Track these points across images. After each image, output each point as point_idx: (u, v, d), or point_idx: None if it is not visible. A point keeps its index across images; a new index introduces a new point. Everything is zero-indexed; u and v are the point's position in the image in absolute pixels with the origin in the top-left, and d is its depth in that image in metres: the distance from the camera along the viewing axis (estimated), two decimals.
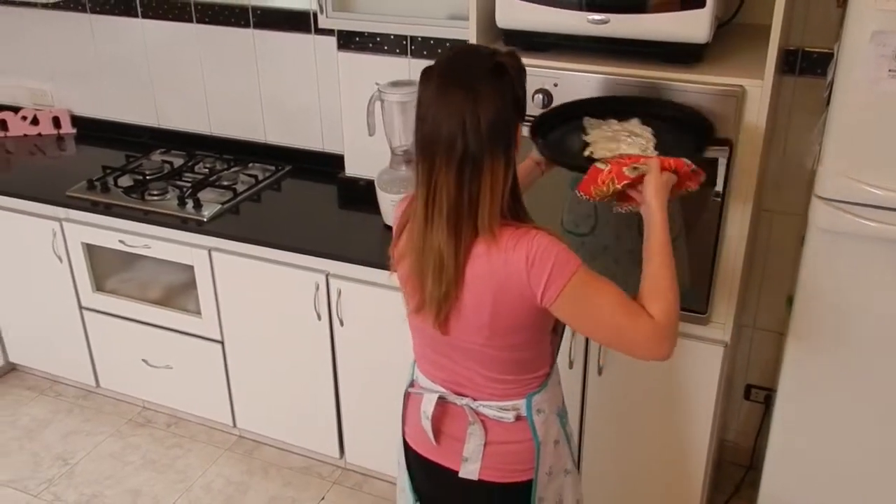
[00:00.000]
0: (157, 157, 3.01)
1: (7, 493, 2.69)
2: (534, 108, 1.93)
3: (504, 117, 1.35)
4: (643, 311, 1.40)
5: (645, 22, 1.83)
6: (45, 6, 3.08)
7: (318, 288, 2.41)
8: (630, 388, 2.13)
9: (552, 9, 1.89)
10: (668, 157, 1.53)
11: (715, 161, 1.83)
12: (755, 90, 1.77)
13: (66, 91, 3.27)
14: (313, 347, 2.52)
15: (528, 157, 1.73)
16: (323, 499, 2.65)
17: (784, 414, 1.96)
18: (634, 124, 1.79)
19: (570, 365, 2.16)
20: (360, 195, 2.59)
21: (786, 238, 2.32)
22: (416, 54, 2.51)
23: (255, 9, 2.77)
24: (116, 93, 3.17)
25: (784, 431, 1.98)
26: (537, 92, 1.92)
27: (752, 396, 2.57)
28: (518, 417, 1.51)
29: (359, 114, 2.47)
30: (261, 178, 2.81)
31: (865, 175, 1.67)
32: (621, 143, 1.74)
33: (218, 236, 2.51)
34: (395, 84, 2.37)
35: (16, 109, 3.27)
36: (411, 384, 1.64)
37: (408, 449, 1.65)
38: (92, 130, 3.25)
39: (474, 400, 1.52)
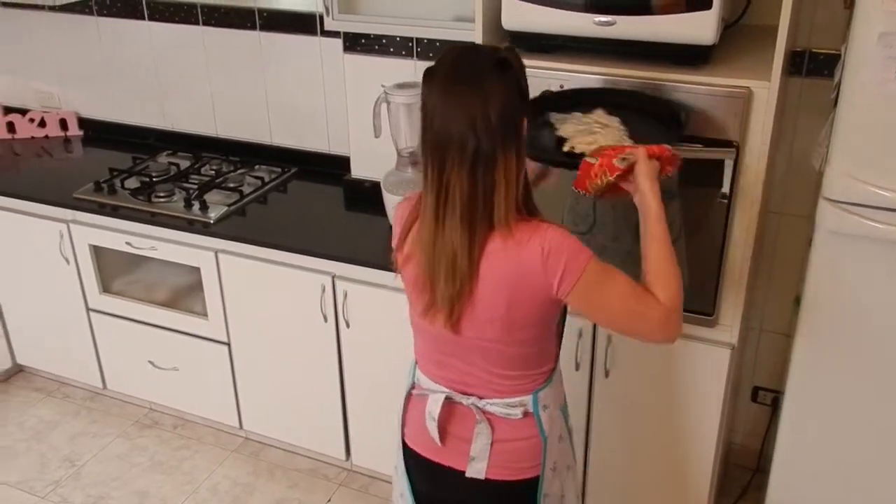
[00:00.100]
0: (163, 159, 3.02)
1: (14, 494, 2.70)
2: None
3: (512, 111, 1.37)
4: (652, 297, 1.44)
5: (651, 23, 1.82)
6: (52, 9, 3.09)
7: (324, 290, 2.41)
8: (637, 390, 2.13)
9: (558, 10, 1.89)
10: (650, 145, 1.55)
11: (721, 162, 1.83)
12: (762, 91, 1.76)
13: (73, 93, 3.28)
14: (319, 349, 2.53)
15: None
16: (329, 501, 2.65)
17: (791, 416, 1.96)
18: (601, 115, 1.80)
19: (577, 367, 2.16)
20: (367, 197, 2.60)
21: (793, 240, 2.31)
22: (422, 56, 2.51)
23: (261, 11, 2.77)
24: (123, 95, 3.18)
25: (791, 434, 1.97)
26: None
27: (759, 399, 2.57)
28: (525, 413, 1.53)
29: (365, 116, 2.47)
30: (267, 179, 2.81)
31: (873, 177, 1.66)
32: (597, 135, 1.76)
33: (224, 238, 2.52)
34: (401, 86, 2.38)
35: (23, 112, 3.28)
36: (412, 386, 1.63)
37: (408, 452, 1.65)
38: (99, 132, 3.26)
39: (480, 398, 1.53)
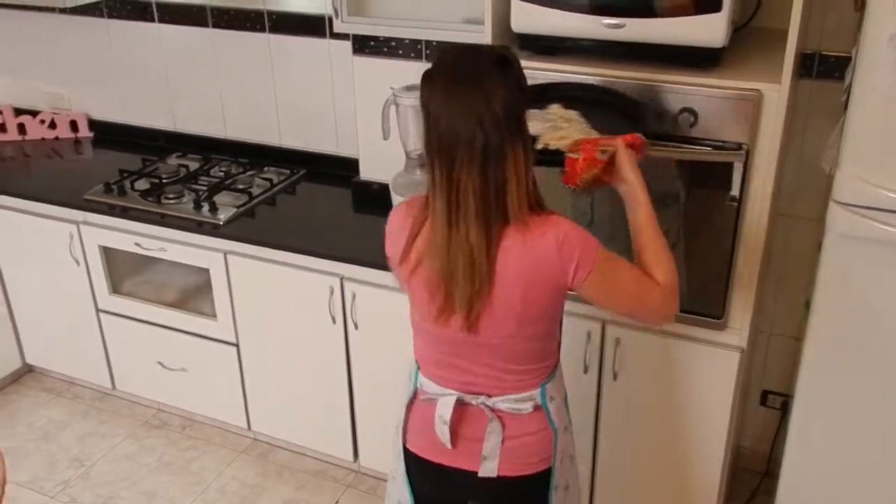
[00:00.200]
0: (173, 160, 3.03)
1: (24, 494, 2.72)
2: None
3: (515, 105, 1.40)
4: (652, 279, 1.52)
5: (661, 26, 1.82)
6: (63, 11, 3.11)
7: (332, 291, 2.42)
8: (645, 393, 2.12)
9: (567, 13, 1.89)
10: (624, 135, 1.61)
11: (730, 165, 1.83)
12: (772, 94, 1.76)
13: (84, 95, 3.30)
14: (328, 351, 2.53)
15: None
16: (337, 502, 2.66)
17: (801, 420, 1.95)
18: (560, 110, 1.82)
19: (585, 370, 2.15)
20: (375, 199, 2.60)
21: (803, 243, 2.30)
22: (431, 58, 2.50)
23: (270, 13, 2.78)
24: (133, 97, 3.19)
25: (801, 438, 1.96)
26: None
27: (768, 402, 2.56)
28: (536, 407, 1.55)
29: (373, 118, 2.48)
30: (276, 181, 2.82)
31: (884, 179, 1.65)
32: (565, 130, 1.78)
33: (233, 239, 2.53)
34: (410, 88, 2.38)
35: (34, 113, 3.30)
36: (414, 393, 1.62)
37: (412, 458, 1.64)
38: (109, 134, 3.28)
39: (489, 397, 1.54)
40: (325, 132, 2.88)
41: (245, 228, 2.56)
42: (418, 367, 1.62)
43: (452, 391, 1.55)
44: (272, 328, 2.61)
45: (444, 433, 1.55)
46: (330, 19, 2.65)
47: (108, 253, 2.81)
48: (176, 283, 2.84)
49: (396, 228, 1.55)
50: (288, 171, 2.89)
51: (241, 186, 2.77)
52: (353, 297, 2.39)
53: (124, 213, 2.67)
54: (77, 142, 3.28)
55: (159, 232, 2.64)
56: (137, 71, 3.13)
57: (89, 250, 2.82)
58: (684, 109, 1.82)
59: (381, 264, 2.29)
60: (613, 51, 1.90)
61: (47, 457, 2.87)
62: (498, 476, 1.56)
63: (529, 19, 1.94)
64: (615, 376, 2.13)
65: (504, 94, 1.37)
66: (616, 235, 1.95)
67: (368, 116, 2.58)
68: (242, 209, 2.64)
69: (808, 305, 1.88)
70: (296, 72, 2.83)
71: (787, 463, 2.00)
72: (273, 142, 2.99)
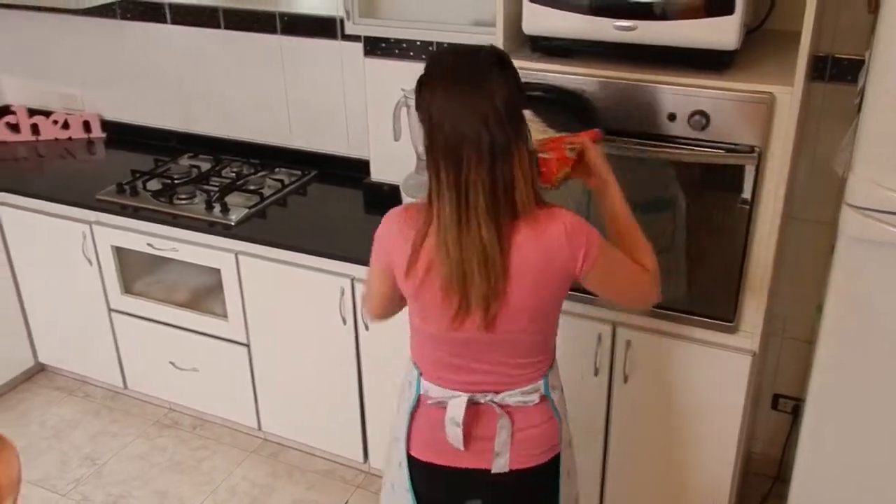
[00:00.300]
0: (184, 161, 3.04)
1: (36, 492, 2.73)
2: None
3: (516, 103, 1.44)
4: (640, 265, 1.58)
5: (673, 28, 1.82)
6: (76, 12, 3.13)
7: (343, 292, 2.42)
8: (656, 396, 2.12)
9: (578, 15, 1.88)
10: (586, 131, 1.69)
11: (741, 168, 1.82)
12: (785, 97, 1.75)
13: (97, 96, 3.32)
14: (338, 351, 2.54)
15: None
16: (346, 503, 2.66)
17: (813, 424, 1.94)
18: None
19: (596, 372, 2.15)
20: (386, 200, 2.59)
21: (815, 246, 2.29)
22: None
23: (282, 15, 2.79)
24: (145, 97, 3.21)
25: (813, 442, 1.95)
26: None
27: (779, 406, 2.54)
28: (542, 398, 1.59)
29: (384, 119, 2.48)
30: (287, 182, 2.83)
31: None
32: None
33: (245, 240, 2.54)
34: None
35: (47, 114, 3.32)
36: (418, 400, 1.61)
37: (418, 465, 1.63)
38: (121, 134, 3.29)
39: (497, 393, 1.55)
40: (335, 133, 2.88)
41: (256, 229, 2.57)
42: (420, 373, 1.62)
43: (460, 392, 1.56)
44: (283, 329, 2.62)
45: (456, 435, 1.56)
46: (341, 21, 2.65)
47: (120, 253, 2.82)
48: (187, 284, 2.85)
49: (394, 233, 1.53)
50: (299, 173, 2.90)
51: (252, 187, 2.78)
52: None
53: (136, 213, 2.68)
54: (90, 142, 3.30)
55: (171, 232, 2.66)
56: (150, 72, 3.15)
57: (102, 250, 2.83)
58: (696, 112, 1.82)
59: None
60: (624, 53, 1.90)
61: (59, 455, 2.89)
62: (510, 470, 1.57)
63: (540, 21, 1.93)
64: (626, 379, 2.13)
65: (505, 92, 1.41)
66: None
67: (379, 118, 2.58)
68: (254, 210, 2.65)
69: (820, 309, 1.87)
70: (307, 73, 2.84)
71: (799, 467, 1.99)
72: (284, 143, 3.00)
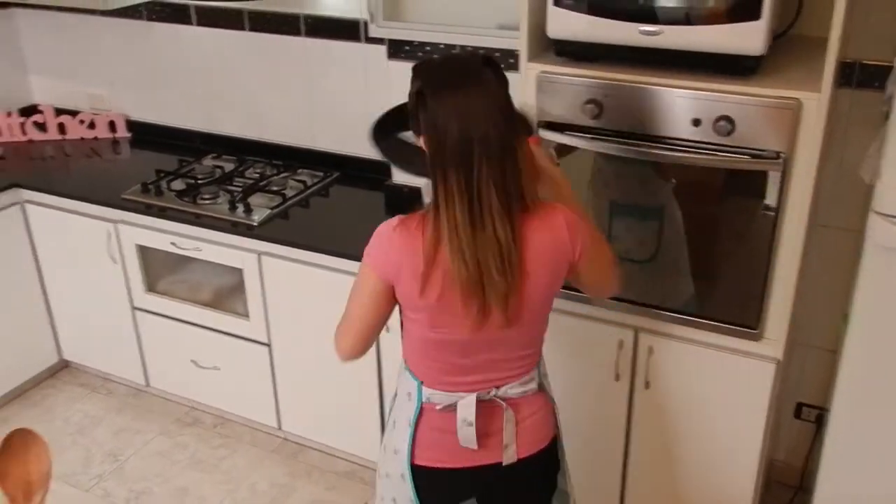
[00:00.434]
0: (208, 161, 3.07)
1: (59, 487, 2.73)
2: (585, 118, 1.93)
3: (510, 100, 1.48)
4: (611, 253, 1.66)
5: (698, 34, 1.81)
6: (104, 13, 3.16)
7: None
8: (678, 402, 2.11)
9: (603, 20, 1.88)
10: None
11: (764, 174, 1.81)
12: (811, 103, 1.74)
13: (122, 96, 3.35)
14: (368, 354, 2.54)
15: None
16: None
17: (837, 434, 1.92)
18: None
19: (617, 377, 2.14)
20: (407, 202, 2.61)
21: (840, 254, 2.26)
22: None
23: (306, 17, 2.81)
24: (170, 98, 3.24)
25: (837, 452, 1.93)
26: (588, 102, 1.92)
27: (802, 415, 2.52)
28: (539, 386, 1.64)
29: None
30: (309, 183, 2.84)
31: None
32: None
33: (267, 241, 2.55)
34: None
35: (74, 113, 3.36)
36: (420, 409, 1.61)
37: (425, 474, 1.63)
38: (146, 135, 3.33)
39: (498, 388, 1.59)
40: (358, 135, 2.88)
41: (278, 230, 2.58)
42: (420, 383, 1.62)
43: (466, 393, 1.58)
44: (304, 329, 2.63)
45: (469, 435, 1.57)
46: (365, 24, 2.66)
47: (144, 252, 2.85)
48: (210, 283, 2.88)
49: (399, 247, 1.50)
50: (321, 174, 2.91)
51: (275, 188, 2.80)
52: None
53: (161, 212, 2.71)
54: (115, 142, 3.34)
55: (194, 232, 2.68)
56: (175, 73, 3.18)
57: (126, 249, 2.86)
58: (721, 117, 1.81)
59: None
60: (649, 58, 1.89)
61: (82, 451, 2.92)
62: (518, 459, 1.61)
63: (565, 25, 1.93)
64: (647, 385, 2.12)
65: (502, 90, 1.46)
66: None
67: None
68: (276, 211, 2.66)
69: (846, 318, 1.86)
70: (330, 75, 2.85)
71: (823, 477, 1.97)
72: (307, 144, 3.02)
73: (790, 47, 2.00)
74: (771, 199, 1.83)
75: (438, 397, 1.59)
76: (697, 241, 1.97)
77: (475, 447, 1.58)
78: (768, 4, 1.72)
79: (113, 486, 2.76)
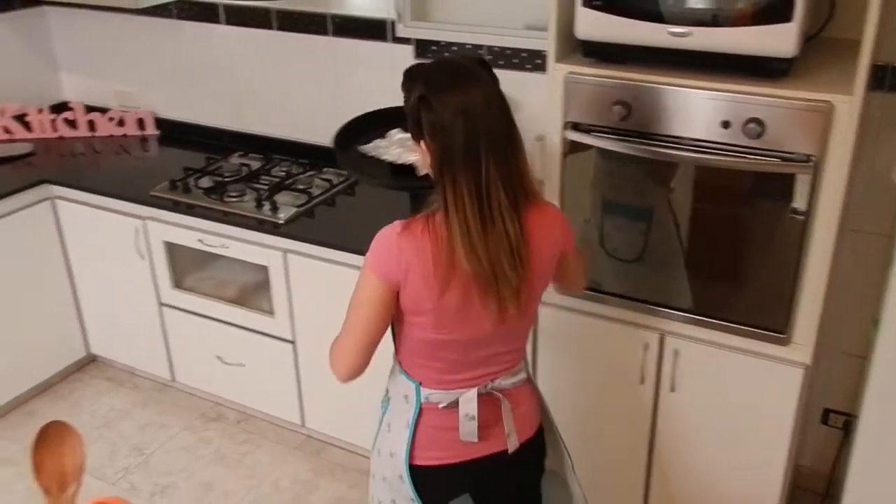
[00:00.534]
0: (235, 159, 3.09)
1: (86, 479, 2.78)
2: (613, 119, 1.93)
3: (506, 97, 1.51)
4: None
5: (729, 35, 1.80)
6: (133, 12, 3.20)
7: None
8: (703, 406, 2.09)
9: (632, 21, 1.87)
10: None
11: (791, 177, 1.79)
12: (843, 106, 1.72)
13: (151, 94, 3.39)
14: (382, 350, 2.54)
15: None
16: None
17: (866, 441, 1.89)
18: (401, 132, 2.26)
19: (642, 380, 2.13)
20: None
21: (871, 258, 2.24)
22: (493, 64, 2.51)
23: (333, 17, 2.82)
24: (198, 96, 3.27)
25: (865, 461, 1.91)
26: (616, 104, 1.91)
27: (830, 421, 2.49)
28: (527, 374, 1.70)
29: None
30: (335, 182, 2.86)
31: None
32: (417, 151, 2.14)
33: (293, 238, 2.57)
34: None
35: (104, 110, 3.40)
36: (419, 410, 1.62)
37: (425, 474, 1.64)
38: (174, 132, 3.36)
39: (493, 381, 1.62)
40: None
41: (304, 228, 2.60)
42: (419, 384, 1.62)
43: (466, 389, 1.60)
44: (328, 326, 2.62)
45: (471, 429, 1.60)
46: (392, 23, 2.67)
47: (171, 248, 2.88)
48: (236, 280, 2.90)
49: (411, 252, 1.50)
50: (347, 173, 2.92)
51: (301, 186, 2.81)
52: None
53: (188, 209, 2.74)
54: (143, 139, 3.37)
55: (221, 229, 2.70)
56: (203, 71, 3.20)
57: (154, 245, 2.89)
58: (751, 120, 1.79)
59: None
60: (678, 59, 1.88)
61: (109, 445, 2.96)
62: (520, 444, 1.67)
63: (594, 26, 1.93)
64: (673, 388, 2.10)
65: (498, 88, 1.49)
66: None
67: None
68: (302, 209, 2.68)
69: (876, 323, 1.83)
70: (357, 75, 2.86)
71: (850, 485, 1.94)
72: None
73: (822, 49, 1.97)
74: (799, 202, 1.82)
75: (438, 396, 1.61)
76: (724, 243, 1.96)
77: (476, 440, 1.61)
78: (800, 6, 1.71)
79: (138, 480, 2.79)
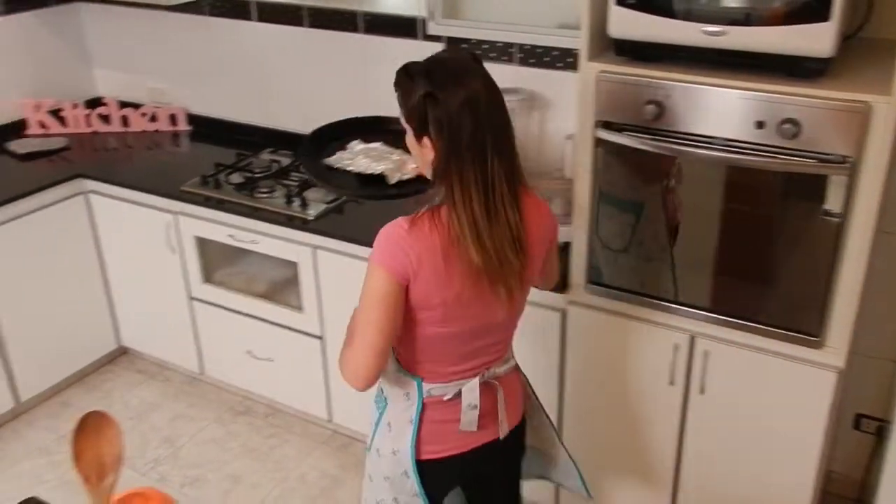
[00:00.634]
0: (265, 155, 3.11)
1: None
2: (645, 118, 1.91)
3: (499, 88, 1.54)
4: None
5: (765, 34, 1.78)
6: (166, 8, 3.23)
7: None
8: (733, 409, 2.07)
9: (666, 19, 1.86)
10: None
11: (823, 178, 1.77)
12: (882, 106, 1.69)
13: (183, 90, 3.42)
14: None
15: None
16: None
17: None
18: (362, 144, 2.60)
19: (671, 381, 2.12)
20: None
21: None
22: (523, 62, 2.51)
23: (364, 14, 2.83)
24: (230, 93, 3.29)
25: None
26: (649, 103, 1.90)
27: (862, 426, 2.45)
28: (515, 361, 1.75)
29: None
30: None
31: None
32: (396, 159, 2.50)
33: (322, 235, 2.58)
34: (502, 91, 2.38)
35: (137, 106, 3.44)
36: (423, 406, 1.64)
37: (432, 467, 1.65)
38: (205, 128, 3.39)
39: (488, 369, 1.66)
40: None
41: (333, 224, 2.61)
42: (422, 379, 1.64)
43: (467, 379, 1.63)
44: None
45: (472, 418, 1.64)
46: (422, 21, 2.67)
47: (202, 243, 2.91)
48: (266, 275, 2.92)
49: (421, 247, 1.51)
50: None
51: None
52: None
53: (219, 205, 2.76)
54: (175, 135, 3.41)
55: (251, 225, 2.73)
56: (235, 68, 3.23)
57: (185, 240, 2.93)
58: (786, 120, 1.77)
59: None
60: (712, 58, 1.86)
61: (140, 436, 3.00)
62: (510, 430, 1.73)
63: (627, 25, 1.91)
64: (702, 390, 2.09)
65: (493, 81, 1.52)
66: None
67: None
68: (332, 205, 2.69)
69: None
70: (387, 72, 2.84)
71: (883, 491, 1.92)
72: None
73: (859, 50, 1.95)
74: (832, 204, 1.79)
75: (441, 390, 1.63)
76: (755, 244, 1.94)
77: (475, 429, 1.65)
78: (838, 5, 1.68)
79: (168, 471, 2.83)
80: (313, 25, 2.96)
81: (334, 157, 2.65)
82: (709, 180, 1.94)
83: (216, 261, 2.99)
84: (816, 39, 1.73)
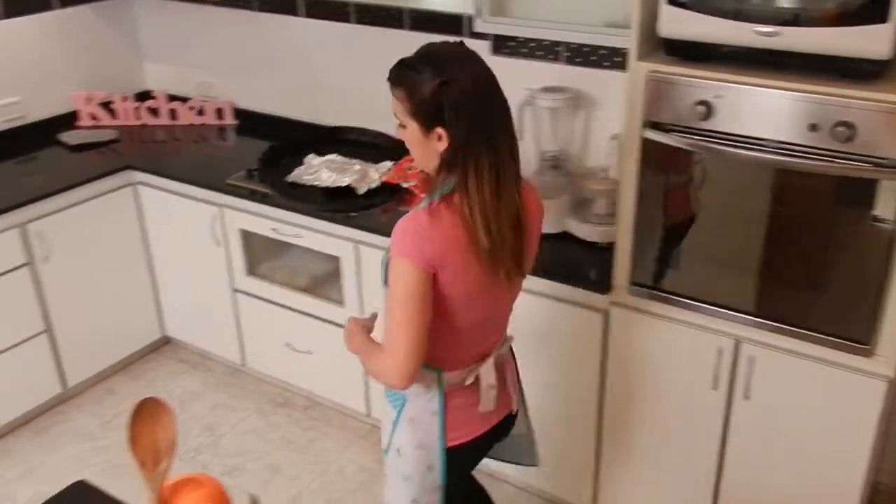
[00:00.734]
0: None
1: None
2: (694, 119, 1.89)
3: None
4: None
5: (819, 36, 1.74)
6: (214, 3, 3.27)
7: None
8: (778, 416, 2.04)
9: (718, 19, 1.83)
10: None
11: (873, 183, 1.73)
12: None
13: (230, 84, 3.47)
14: None
15: None
16: None
17: None
18: (317, 158, 2.79)
19: (715, 385, 2.09)
20: None
21: None
22: (569, 61, 2.49)
23: (410, 11, 2.83)
24: (276, 88, 3.33)
25: None
26: (699, 104, 1.87)
27: None
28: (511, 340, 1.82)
29: None
30: None
31: None
32: (357, 170, 2.64)
33: (364, 230, 2.60)
34: (548, 90, 2.37)
35: (184, 100, 3.49)
36: (445, 395, 1.67)
37: (461, 453, 1.71)
38: (251, 122, 3.43)
39: (496, 350, 1.72)
40: None
41: (375, 220, 2.62)
42: (440, 370, 1.65)
43: (479, 363, 1.68)
44: None
45: (491, 398, 1.71)
46: (469, 18, 2.67)
47: (246, 236, 2.95)
48: (308, 269, 2.95)
49: (442, 238, 1.53)
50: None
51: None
52: None
53: (264, 199, 2.79)
54: (222, 128, 3.46)
55: (295, 219, 2.75)
56: (282, 63, 3.26)
57: (230, 232, 2.97)
58: (841, 123, 1.73)
59: None
60: (763, 59, 1.83)
61: (181, 424, 3.00)
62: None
63: (678, 24, 1.89)
64: (747, 396, 2.06)
65: (489, 67, 1.54)
66: None
67: None
68: (374, 201, 2.70)
69: None
70: None
71: None
72: None
73: None
74: (882, 210, 1.76)
75: (460, 376, 1.67)
76: (802, 248, 1.90)
77: (493, 408, 1.72)
78: None
79: (209, 460, 2.88)
80: (360, 22, 2.97)
81: (293, 173, 2.76)
82: (756, 183, 1.91)
83: (260, 254, 3.02)
84: (874, 41, 1.69)
